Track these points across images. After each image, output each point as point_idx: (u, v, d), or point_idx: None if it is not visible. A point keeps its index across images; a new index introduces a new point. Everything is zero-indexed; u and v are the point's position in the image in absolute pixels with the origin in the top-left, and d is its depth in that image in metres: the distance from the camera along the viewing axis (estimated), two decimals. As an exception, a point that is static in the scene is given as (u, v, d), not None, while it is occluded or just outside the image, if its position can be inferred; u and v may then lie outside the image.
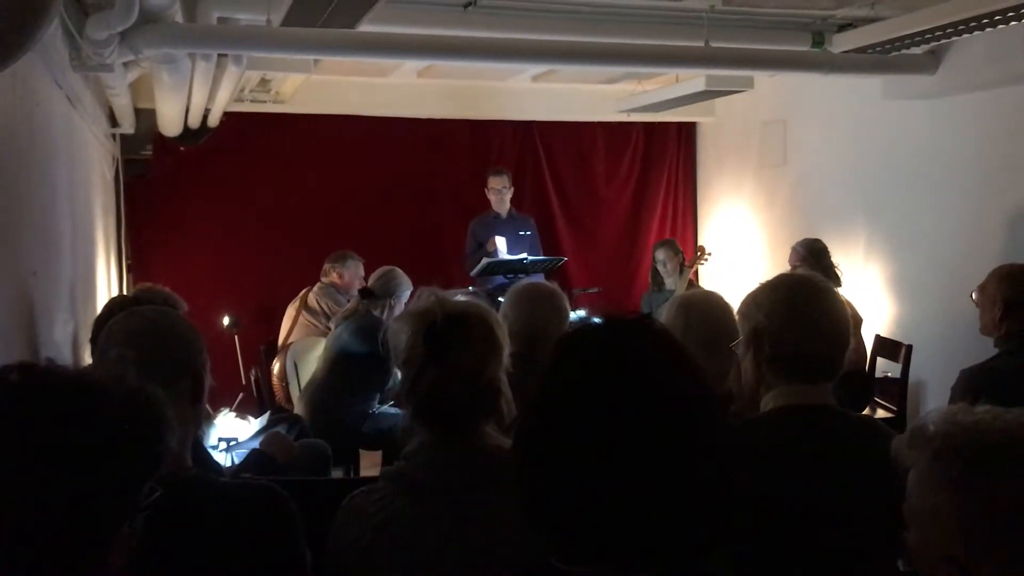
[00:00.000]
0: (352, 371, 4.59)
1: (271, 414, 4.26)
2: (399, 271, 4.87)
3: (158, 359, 1.72)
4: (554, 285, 3.19)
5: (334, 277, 5.87)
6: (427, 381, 1.70)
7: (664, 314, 2.72)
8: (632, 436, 1.09)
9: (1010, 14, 4.00)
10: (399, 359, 1.79)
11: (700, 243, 7.45)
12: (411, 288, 4.81)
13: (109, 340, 1.77)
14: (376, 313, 4.70)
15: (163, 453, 1.20)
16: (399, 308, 4.77)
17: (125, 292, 6.14)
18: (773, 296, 1.94)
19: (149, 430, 1.18)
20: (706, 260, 6.56)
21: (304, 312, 5.83)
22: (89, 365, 2.74)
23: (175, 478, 1.61)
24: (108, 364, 1.68)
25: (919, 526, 1.24)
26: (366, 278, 5.47)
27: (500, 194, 6.69)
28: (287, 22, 3.83)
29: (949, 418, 1.25)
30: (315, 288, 5.88)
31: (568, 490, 1.11)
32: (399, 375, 4.85)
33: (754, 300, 1.97)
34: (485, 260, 6.25)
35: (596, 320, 1.25)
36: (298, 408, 4.80)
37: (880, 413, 4.96)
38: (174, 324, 1.84)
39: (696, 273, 7.19)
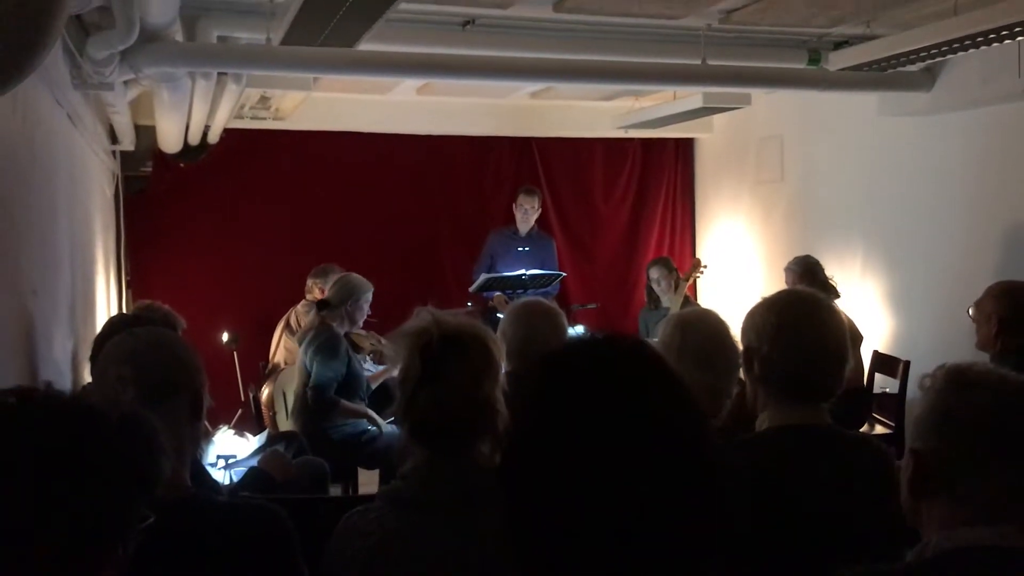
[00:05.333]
0: None
1: (269, 432, 4.27)
2: (353, 276, 4.79)
3: (157, 379, 1.74)
4: (552, 303, 3.19)
5: (317, 293, 5.79)
6: (423, 400, 1.72)
7: (660, 332, 2.73)
8: (620, 457, 1.08)
9: (1004, 33, 4.03)
10: (397, 379, 1.80)
11: (697, 256, 7.47)
12: (370, 290, 4.74)
13: (108, 360, 1.79)
14: (335, 324, 4.63)
15: (157, 477, 1.21)
16: (360, 314, 4.71)
17: (125, 308, 6.15)
18: (766, 316, 1.94)
19: (143, 454, 1.19)
20: (702, 272, 6.58)
21: (286, 332, 5.82)
22: (88, 384, 2.76)
23: (173, 498, 1.62)
24: (107, 385, 1.70)
25: (908, 440, 1.46)
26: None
27: (527, 213, 6.70)
28: (287, 41, 3.85)
29: (964, 362, 1.48)
30: (298, 306, 5.86)
31: (554, 510, 1.11)
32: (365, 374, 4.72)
33: (751, 318, 1.97)
34: (484, 276, 6.26)
35: (583, 338, 1.25)
36: (289, 424, 4.79)
37: (878, 429, 4.97)
38: (172, 344, 1.85)
39: (694, 286, 7.21)
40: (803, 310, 1.94)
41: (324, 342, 4.51)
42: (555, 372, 1.17)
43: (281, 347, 5.85)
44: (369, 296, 4.75)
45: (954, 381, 1.41)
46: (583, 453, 1.09)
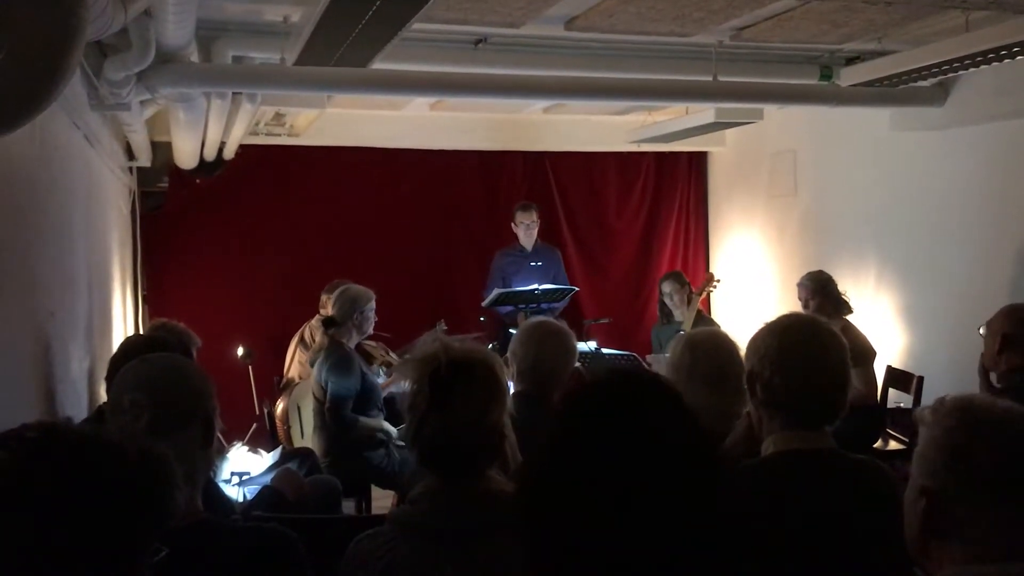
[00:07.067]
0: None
1: (283, 449, 4.29)
2: (352, 287, 4.80)
3: (170, 407, 1.77)
4: (562, 323, 3.21)
5: (331, 309, 5.83)
6: (431, 426, 1.73)
7: (670, 352, 2.75)
8: (636, 493, 1.13)
9: (1016, 49, 4.03)
10: (404, 404, 1.82)
11: (710, 271, 7.47)
12: (372, 297, 4.76)
13: (122, 387, 1.82)
14: (345, 341, 4.65)
15: (171, 512, 1.24)
16: (368, 323, 4.73)
17: (141, 324, 6.21)
18: (767, 341, 1.95)
19: (158, 489, 1.22)
20: (715, 287, 6.57)
21: (300, 347, 5.85)
22: (105, 403, 2.80)
23: (185, 523, 1.65)
24: (121, 412, 1.73)
25: (912, 475, 1.45)
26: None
27: (528, 229, 6.70)
28: (301, 61, 3.90)
29: (966, 395, 1.46)
30: (312, 321, 5.88)
31: (571, 542, 1.15)
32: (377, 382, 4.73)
33: (753, 344, 1.99)
34: (496, 291, 6.27)
35: (602, 376, 1.28)
36: (310, 442, 4.81)
37: (892, 444, 4.95)
38: (186, 371, 1.88)
39: (707, 301, 7.20)
40: (804, 335, 1.95)
41: (336, 361, 4.54)
42: (570, 411, 1.22)
43: (295, 362, 5.88)
44: (373, 304, 4.77)
45: (961, 417, 1.39)
46: (600, 487, 1.14)
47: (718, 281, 6.59)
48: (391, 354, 5.64)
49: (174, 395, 1.80)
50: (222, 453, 3.86)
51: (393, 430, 4.62)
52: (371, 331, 4.88)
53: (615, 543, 1.13)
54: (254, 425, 5.64)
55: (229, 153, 6.47)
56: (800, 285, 5.16)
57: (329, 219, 7.06)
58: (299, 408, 5.25)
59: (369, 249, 7.04)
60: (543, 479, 1.22)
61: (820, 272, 5.19)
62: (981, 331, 3.34)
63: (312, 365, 4.72)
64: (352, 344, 4.71)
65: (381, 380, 5.11)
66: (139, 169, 6.48)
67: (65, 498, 1.13)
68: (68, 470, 1.15)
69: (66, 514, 1.13)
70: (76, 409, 3.33)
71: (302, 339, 5.92)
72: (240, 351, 6.12)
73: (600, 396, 1.24)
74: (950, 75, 4.72)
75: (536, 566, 1.21)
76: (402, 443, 4.49)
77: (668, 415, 1.20)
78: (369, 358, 5.35)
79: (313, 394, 4.68)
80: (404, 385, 1.83)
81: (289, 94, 5.12)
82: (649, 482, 1.13)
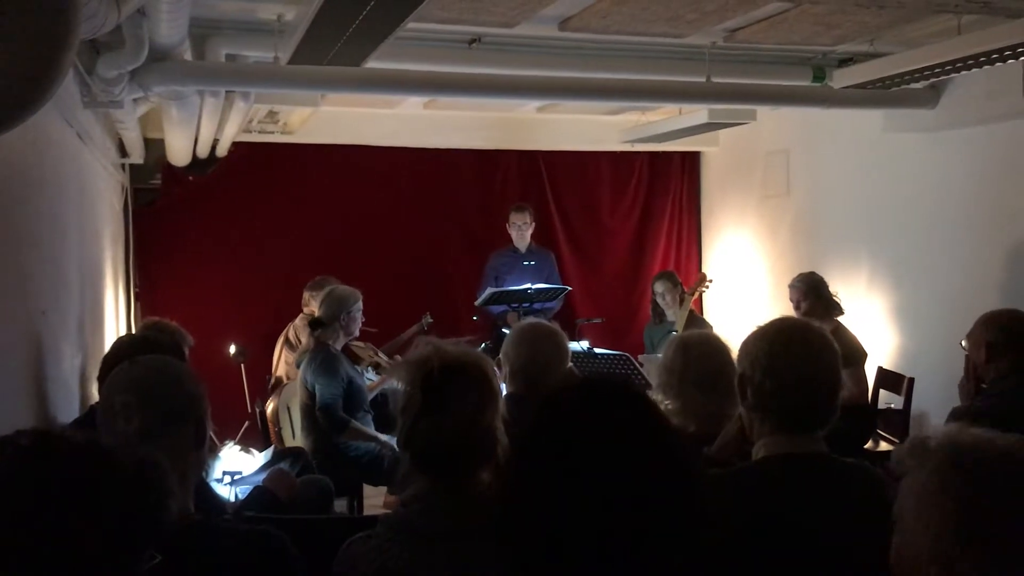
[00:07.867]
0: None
1: (275, 448, 4.29)
2: (339, 288, 4.80)
3: (162, 409, 1.78)
4: (554, 324, 3.21)
5: (314, 306, 5.76)
6: (424, 429, 1.74)
7: (663, 354, 2.76)
8: (609, 495, 1.15)
9: (1007, 52, 4.05)
10: (397, 406, 1.82)
11: (703, 271, 7.48)
12: (359, 298, 4.76)
13: (113, 389, 1.82)
14: (331, 343, 4.65)
15: (165, 519, 1.24)
16: (355, 324, 4.73)
17: (133, 321, 6.19)
18: (758, 345, 1.95)
19: (152, 497, 1.22)
20: (707, 287, 6.59)
21: (286, 347, 5.83)
22: (97, 403, 2.80)
23: (177, 525, 1.65)
24: (112, 414, 1.73)
25: (908, 531, 1.31)
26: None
27: (520, 230, 6.71)
28: (295, 59, 3.89)
29: (950, 435, 1.32)
30: (296, 321, 5.86)
31: (547, 539, 1.18)
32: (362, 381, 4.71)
33: (744, 347, 1.99)
34: (489, 290, 6.27)
35: (575, 381, 1.30)
36: (299, 441, 4.80)
37: (883, 446, 4.97)
38: (177, 374, 1.88)
39: (699, 301, 7.22)
40: (795, 339, 1.94)
41: (322, 363, 4.54)
42: (548, 415, 1.22)
43: (282, 362, 5.86)
44: (360, 304, 4.76)
45: (967, 476, 1.26)
46: (574, 487, 1.16)
47: (710, 281, 6.59)
48: (380, 355, 5.64)
49: (165, 397, 1.80)
50: (214, 453, 3.86)
51: (389, 442, 4.59)
52: (358, 332, 4.88)
53: (590, 543, 1.14)
54: (246, 424, 5.64)
55: (222, 150, 6.45)
56: (791, 287, 5.17)
57: (322, 217, 7.04)
58: (289, 408, 5.25)
59: (362, 247, 7.03)
60: (517, 483, 1.24)
61: (811, 274, 5.21)
62: (963, 344, 3.36)
63: (299, 366, 4.71)
64: (339, 345, 4.71)
65: (371, 380, 5.11)
66: (132, 166, 6.46)
67: (59, 506, 1.13)
68: (62, 478, 1.15)
69: (60, 522, 1.13)
70: (68, 408, 3.33)
71: (287, 340, 5.90)
72: (232, 349, 6.10)
73: (571, 401, 1.26)
74: (942, 77, 4.74)
75: (517, 565, 1.23)
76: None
77: (640, 419, 1.22)
78: (357, 359, 5.34)
79: (299, 394, 4.67)
80: (395, 384, 1.83)
81: (283, 93, 5.11)
82: (620, 484, 1.15)
